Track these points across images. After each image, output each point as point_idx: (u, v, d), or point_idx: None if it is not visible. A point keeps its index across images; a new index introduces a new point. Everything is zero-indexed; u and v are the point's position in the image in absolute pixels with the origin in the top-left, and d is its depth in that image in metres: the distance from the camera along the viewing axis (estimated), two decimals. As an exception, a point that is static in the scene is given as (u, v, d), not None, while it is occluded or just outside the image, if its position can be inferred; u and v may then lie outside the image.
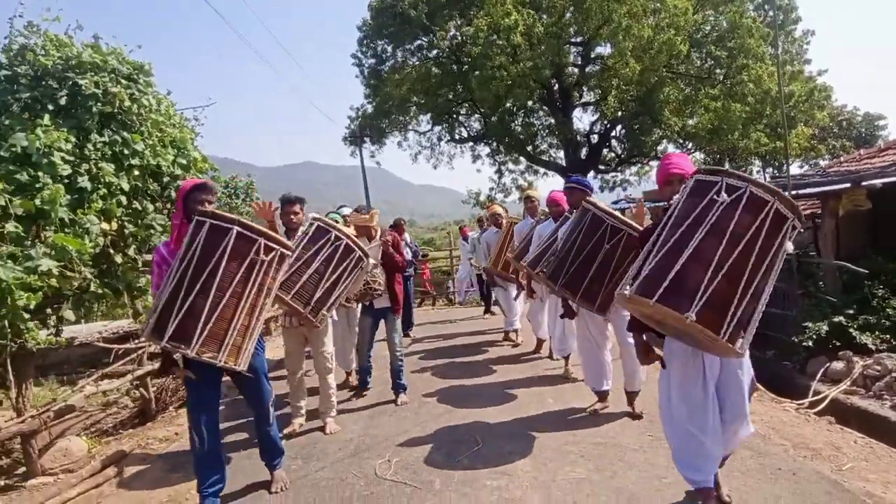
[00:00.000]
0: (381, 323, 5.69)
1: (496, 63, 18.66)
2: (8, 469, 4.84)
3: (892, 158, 10.55)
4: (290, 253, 3.37)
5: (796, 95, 21.14)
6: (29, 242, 3.87)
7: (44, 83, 4.47)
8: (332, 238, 4.41)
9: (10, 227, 3.70)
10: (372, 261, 5.02)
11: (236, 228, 3.05)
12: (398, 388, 5.65)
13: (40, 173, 4.01)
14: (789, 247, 2.72)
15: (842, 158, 14.80)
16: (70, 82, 4.46)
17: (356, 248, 4.52)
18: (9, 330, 3.99)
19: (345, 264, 4.45)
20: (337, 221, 5.52)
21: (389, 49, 23.70)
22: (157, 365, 4.81)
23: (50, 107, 4.37)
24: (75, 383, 5.90)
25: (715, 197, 2.55)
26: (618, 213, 4.42)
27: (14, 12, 4.81)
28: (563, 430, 4.49)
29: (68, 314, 4.48)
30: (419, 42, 23.19)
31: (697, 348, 2.87)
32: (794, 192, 7.85)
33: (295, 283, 4.20)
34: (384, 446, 4.44)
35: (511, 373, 6.45)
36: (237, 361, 3.10)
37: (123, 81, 4.76)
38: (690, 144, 24.54)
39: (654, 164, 26.67)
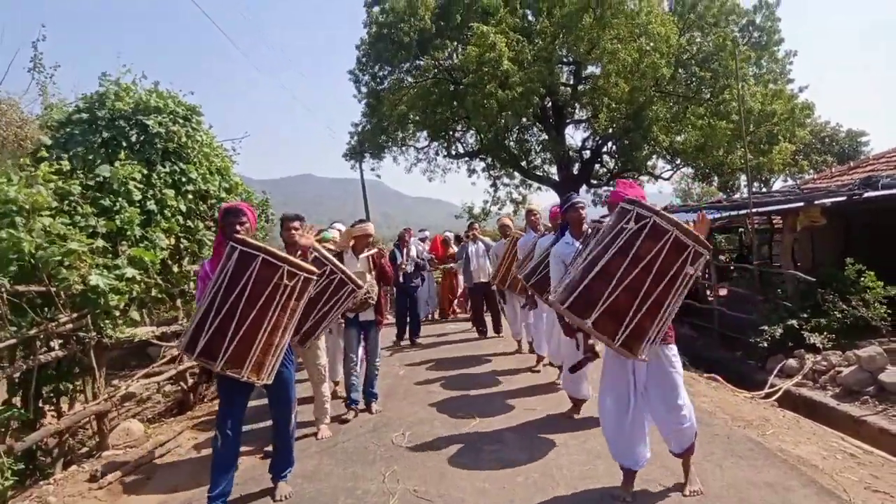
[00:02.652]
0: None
1: (487, 91, 19.53)
2: (81, 445, 5.72)
3: (860, 175, 11.51)
4: (313, 277, 3.55)
5: (778, 113, 22.01)
6: (111, 255, 4.79)
7: (117, 124, 5.43)
8: (328, 272, 4.53)
9: (99, 242, 4.62)
10: (366, 273, 5.30)
11: (262, 256, 3.29)
12: (370, 395, 5.79)
13: (119, 199, 4.94)
14: (690, 270, 2.95)
15: (815, 175, 15.79)
16: (140, 123, 5.41)
17: (349, 283, 4.68)
18: (91, 326, 4.90)
19: (337, 297, 4.63)
20: (328, 240, 6.16)
21: (387, 71, 24.47)
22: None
23: (124, 144, 5.32)
24: (125, 377, 6.78)
25: (625, 225, 2.97)
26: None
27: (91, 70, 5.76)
28: (548, 408, 5.41)
29: (134, 315, 5.39)
30: (417, 63, 24.07)
31: (616, 352, 3.14)
32: (755, 210, 8.82)
33: None
34: (398, 424, 5.34)
35: (505, 363, 7.38)
36: (259, 377, 3.34)
37: (180, 121, 5.72)
38: (679, 160, 25.60)
39: (645, 178, 27.74)
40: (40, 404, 5.12)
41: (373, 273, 5.48)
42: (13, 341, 4.25)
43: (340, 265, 4.75)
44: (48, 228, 4.26)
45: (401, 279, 9.42)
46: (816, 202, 8.24)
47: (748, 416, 4.99)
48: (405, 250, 9.55)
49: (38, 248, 4.16)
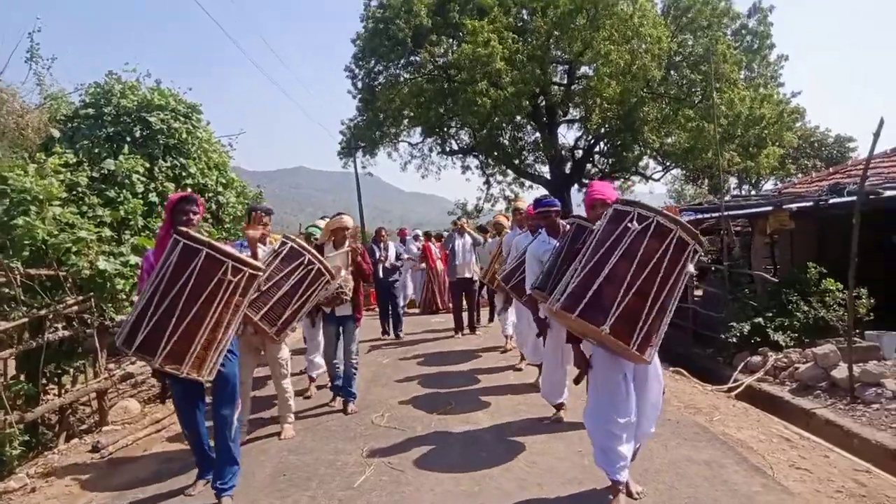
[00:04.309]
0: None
1: (478, 88, 19.86)
2: (80, 422, 6.10)
3: (837, 178, 11.95)
4: (260, 274, 3.52)
5: (767, 117, 22.40)
6: (116, 243, 5.18)
7: (122, 120, 5.81)
8: (306, 262, 4.59)
9: (106, 231, 5.00)
10: (342, 268, 5.27)
11: (205, 250, 3.21)
12: (348, 395, 5.69)
13: (123, 191, 5.32)
14: (690, 269, 2.97)
15: (795, 180, 16.25)
16: (143, 120, 5.79)
17: (326, 273, 4.70)
18: (95, 309, 5.28)
19: (314, 287, 4.65)
20: (313, 235, 6.29)
21: (382, 66, 24.75)
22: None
23: (128, 139, 5.69)
24: (124, 360, 7.15)
25: (628, 225, 2.89)
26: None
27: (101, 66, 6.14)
28: (518, 394, 5.85)
29: (136, 299, 5.75)
30: (412, 59, 24.34)
31: (613, 354, 3.21)
32: (728, 213, 9.24)
33: (264, 304, 4.40)
34: (379, 406, 5.75)
35: (483, 360, 7.77)
36: (200, 373, 3.25)
37: (181, 118, 6.10)
38: (669, 162, 26.04)
39: (636, 179, 28.23)
40: (44, 382, 5.50)
41: (349, 268, 5.43)
42: (25, 320, 4.65)
43: (316, 254, 4.74)
44: (59, 217, 4.64)
45: (380, 274, 9.46)
46: (784, 207, 8.66)
47: (700, 404, 5.42)
48: (381, 245, 9.60)
49: (49, 236, 4.54)
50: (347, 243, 5.51)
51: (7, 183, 4.54)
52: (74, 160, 5.36)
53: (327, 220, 6.95)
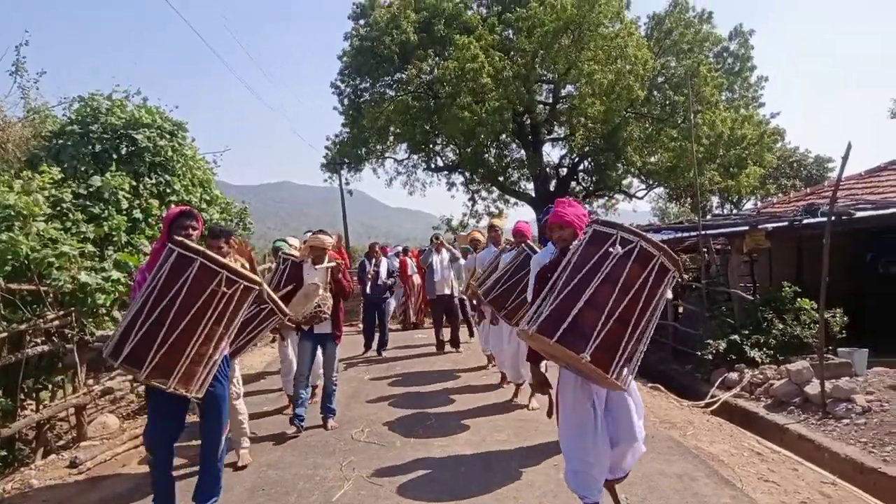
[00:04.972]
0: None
1: (462, 102, 20.10)
2: (58, 438, 6.08)
3: (813, 199, 12.24)
4: (255, 287, 3.34)
5: (748, 138, 22.81)
6: (98, 259, 5.21)
7: (108, 137, 5.87)
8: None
9: (89, 247, 5.05)
10: (320, 285, 5.20)
11: (200, 260, 3.09)
12: (328, 411, 5.63)
13: (108, 207, 5.37)
14: (669, 294, 2.92)
15: (774, 199, 16.57)
16: (129, 137, 5.87)
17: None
18: (75, 324, 5.30)
19: (268, 320, 4.55)
20: (281, 250, 6.15)
21: (368, 83, 24.91)
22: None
23: (114, 156, 5.76)
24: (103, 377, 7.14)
25: (610, 249, 2.78)
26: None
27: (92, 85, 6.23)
28: (497, 413, 5.90)
29: (116, 315, 5.78)
30: (398, 76, 24.53)
31: (586, 379, 3.12)
32: (706, 232, 9.44)
33: None
34: (359, 422, 5.79)
35: (464, 378, 7.80)
36: (188, 388, 3.10)
37: (167, 136, 6.19)
38: (651, 180, 26.41)
39: (620, 197, 28.58)
40: (21, 397, 5.49)
41: (328, 286, 5.33)
42: (5, 335, 4.67)
43: (249, 274, 3.98)
44: (42, 233, 4.68)
45: (368, 290, 9.41)
46: (760, 227, 8.87)
47: (675, 419, 5.53)
48: (374, 261, 9.56)
49: (32, 251, 4.58)
50: (326, 260, 5.40)
51: (-10, 199, 4.59)
52: (60, 177, 5.41)
53: (310, 234, 6.92)
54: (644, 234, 2.86)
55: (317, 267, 5.38)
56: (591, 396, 3.20)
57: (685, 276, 2.95)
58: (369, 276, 9.36)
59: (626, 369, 2.77)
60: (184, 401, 3.40)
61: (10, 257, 4.47)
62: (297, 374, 5.59)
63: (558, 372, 3.33)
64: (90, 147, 5.70)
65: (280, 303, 4.55)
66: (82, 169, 5.55)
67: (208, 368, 3.19)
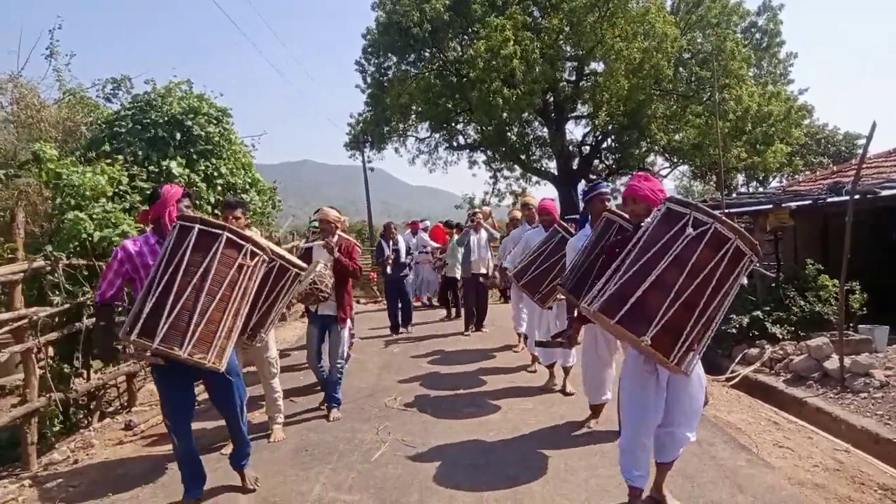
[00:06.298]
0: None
1: (493, 87, 19.98)
2: (108, 405, 6.51)
3: (839, 177, 12.18)
4: (269, 259, 3.40)
5: (774, 114, 22.46)
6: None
7: (163, 122, 6.29)
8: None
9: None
10: (322, 262, 4.96)
11: (226, 234, 3.08)
12: (332, 401, 5.36)
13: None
14: (744, 280, 2.83)
15: (800, 177, 16.44)
16: (182, 124, 6.29)
17: (291, 267, 4.27)
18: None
19: (281, 283, 4.22)
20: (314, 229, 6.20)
21: (393, 61, 24.80)
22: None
23: (171, 143, 6.18)
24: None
25: (682, 229, 2.69)
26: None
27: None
28: (523, 382, 6.18)
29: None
30: (423, 54, 24.44)
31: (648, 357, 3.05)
32: (727, 211, 9.52)
33: None
34: (390, 391, 6.11)
35: (497, 361, 8.00)
36: (221, 363, 3.09)
37: (214, 122, 6.58)
38: (676, 158, 26.19)
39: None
40: (76, 366, 5.89)
41: (329, 263, 5.03)
42: (67, 306, 5.05)
43: (277, 249, 4.37)
44: (108, 213, 5.06)
45: (388, 270, 9.38)
46: (784, 205, 8.93)
47: (695, 391, 5.73)
48: (391, 241, 9.46)
49: (95, 229, 4.94)
50: (327, 238, 5.13)
51: (61, 178, 4.97)
52: (120, 161, 5.82)
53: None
54: (720, 216, 2.74)
55: (317, 243, 5.28)
56: (654, 374, 3.15)
57: (758, 261, 2.92)
58: (389, 261, 9.24)
59: (690, 354, 2.70)
60: (192, 379, 3.49)
61: (74, 234, 4.83)
62: (308, 357, 5.52)
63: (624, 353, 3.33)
64: (149, 133, 6.15)
65: (289, 255, 4.42)
66: (139, 154, 6.00)
67: (233, 342, 3.19)
